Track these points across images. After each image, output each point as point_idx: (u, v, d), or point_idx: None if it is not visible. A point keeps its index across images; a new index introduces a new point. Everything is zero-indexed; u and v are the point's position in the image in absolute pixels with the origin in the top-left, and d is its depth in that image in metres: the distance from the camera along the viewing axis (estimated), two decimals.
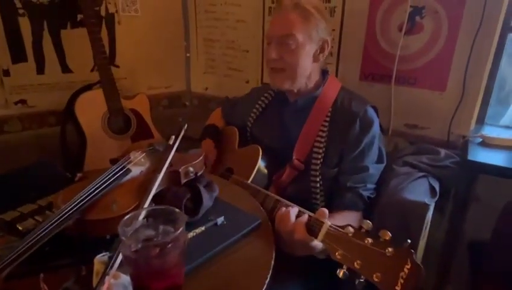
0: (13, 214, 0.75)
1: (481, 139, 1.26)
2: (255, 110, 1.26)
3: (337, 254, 0.67)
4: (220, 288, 0.63)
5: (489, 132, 1.29)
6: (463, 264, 1.30)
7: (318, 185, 1.08)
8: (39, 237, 0.61)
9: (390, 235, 0.63)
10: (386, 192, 1.08)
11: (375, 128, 1.07)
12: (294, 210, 0.82)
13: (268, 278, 0.64)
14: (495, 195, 1.21)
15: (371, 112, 1.08)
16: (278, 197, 0.93)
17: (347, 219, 1.00)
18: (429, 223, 1.09)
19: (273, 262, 0.68)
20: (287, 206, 0.86)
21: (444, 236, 1.25)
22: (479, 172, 1.18)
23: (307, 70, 1.09)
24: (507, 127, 1.38)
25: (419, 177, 1.13)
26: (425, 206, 1.00)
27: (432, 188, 1.09)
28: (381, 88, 1.48)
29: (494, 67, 1.30)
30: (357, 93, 1.15)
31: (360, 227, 0.67)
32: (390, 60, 1.42)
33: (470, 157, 1.13)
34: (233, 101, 1.48)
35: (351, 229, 0.68)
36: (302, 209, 0.83)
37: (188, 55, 2.22)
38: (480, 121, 1.38)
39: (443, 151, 1.26)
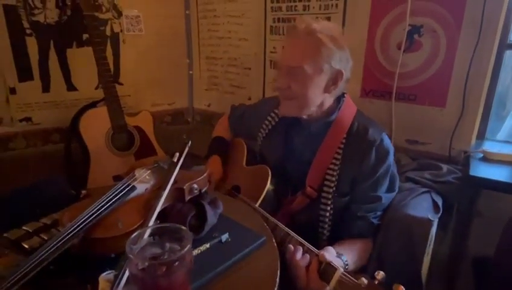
0: (18, 232, 0.75)
1: (482, 155, 1.27)
2: (264, 126, 1.22)
3: None
4: None
5: (490, 146, 1.30)
6: (468, 280, 1.29)
7: (328, 213, 1.05)
8: (45, 255, 0.61)
9: None
10: (390, 208, 1.08)
11: (391, 158, 1.05)
12: (304, 261, 0.82)
13: None
14: (497, 210, 1.21)
15: (386, 140, 1.05)
16: (288, 230, 0.91)
17: (356, 249, 1.01)
18: (433, 239, 1.09)
19: (278, 280, 0.68)
20: (294, 246, 0.86)
21: (447, 252, 1.25)
22: (481, 187, 1.18)
23: (316, 100, 1.03)
24: (507, 141, 1.39)
25: (422, 193, 1.13)
26: (429, 223, 1.00)
27: (435, 204, 1.09)
28: (382, 104, 1.49)
29: (493, 83, 1.32)
30: (372, 119, 1.11)
31: (374, 277, 0.67)
32: (390, 77, 1.44)
33: (472, 172, 1.14)
34: (240, 109, 1.44)
35: (364, 281, 0.68)
36: (312, 248, 0.84)
37: (190, 72, 2.25)
38: (481, 136, 1.39)
39: (445, 167, 1.27)
